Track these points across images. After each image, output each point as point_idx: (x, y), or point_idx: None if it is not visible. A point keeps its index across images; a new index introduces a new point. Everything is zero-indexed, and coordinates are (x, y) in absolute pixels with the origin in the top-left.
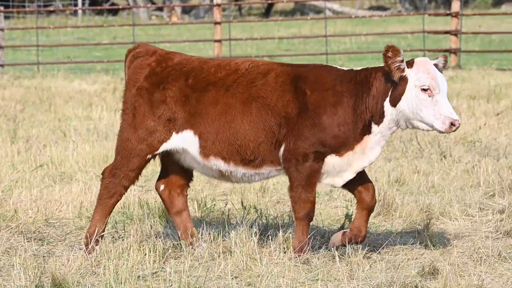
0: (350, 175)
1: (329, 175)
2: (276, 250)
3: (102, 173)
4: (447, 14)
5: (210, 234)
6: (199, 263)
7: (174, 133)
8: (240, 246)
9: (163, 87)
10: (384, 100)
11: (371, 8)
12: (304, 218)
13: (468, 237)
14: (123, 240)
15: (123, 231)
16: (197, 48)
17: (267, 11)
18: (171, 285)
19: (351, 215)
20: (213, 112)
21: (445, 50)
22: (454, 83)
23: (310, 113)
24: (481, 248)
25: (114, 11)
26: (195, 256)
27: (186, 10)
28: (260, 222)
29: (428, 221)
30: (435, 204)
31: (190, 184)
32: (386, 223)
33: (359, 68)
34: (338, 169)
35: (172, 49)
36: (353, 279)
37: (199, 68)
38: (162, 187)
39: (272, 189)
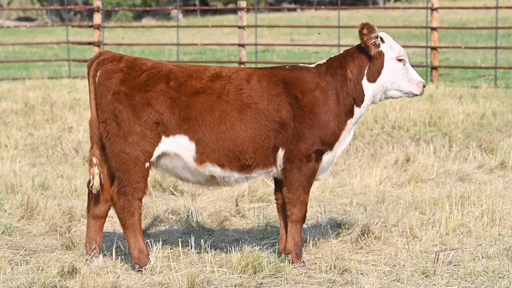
0: (332, 165)
1: (320, 172)
2: None
3: (111, 199)
4: (90, 26)
5: None
6: None
7: (164, 136)
8: None
9: (144, 90)
10: (362, 79)
11: (19, 19)
12: (300, 220)
13: (108, 237)
14: None
15: None
16: None
17: None
18: None
19: None
20: (211, 119)
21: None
22: None
23: (307, 114)
24: (121, 246)
25: None
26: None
27: None
28: None
29: (70, 223)
30: (77, 206)
31: None
32: (29, 226)
33: (324, 60)
34: (328, 163)
35: None
36: None
37: (178, 71)
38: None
39: None
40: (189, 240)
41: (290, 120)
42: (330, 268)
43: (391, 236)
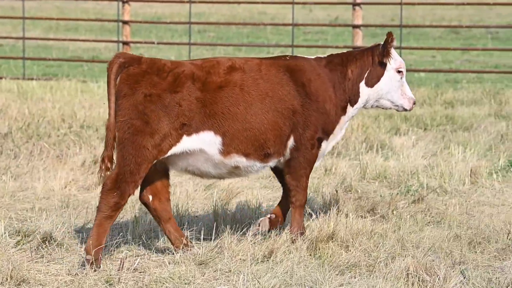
0: (322, 158)
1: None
2: None
3: (104, 184)
4: None
5: None
6: None
7: (185, 136)
8: None
9: (174, 91)
10: (360, 82)
11: None
12: (303, 206)
13: None
14: None
15: None
16: None
17: None
18: None
19: None
20: (237, 111)
21: None
22: None
23: (314, 102)
24: None
25: None
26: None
27: None
28: None
29: None
30: None
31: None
32: None
33: (325, 55)
34: (322, 153)
35: None
36: None
37: (198, 70)
38: (150, 197)
39: None
40: None
41: (299, 107)
42: (7, 279)
43: (75, 243)
